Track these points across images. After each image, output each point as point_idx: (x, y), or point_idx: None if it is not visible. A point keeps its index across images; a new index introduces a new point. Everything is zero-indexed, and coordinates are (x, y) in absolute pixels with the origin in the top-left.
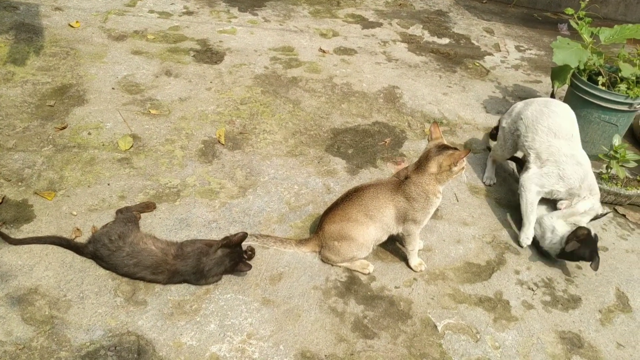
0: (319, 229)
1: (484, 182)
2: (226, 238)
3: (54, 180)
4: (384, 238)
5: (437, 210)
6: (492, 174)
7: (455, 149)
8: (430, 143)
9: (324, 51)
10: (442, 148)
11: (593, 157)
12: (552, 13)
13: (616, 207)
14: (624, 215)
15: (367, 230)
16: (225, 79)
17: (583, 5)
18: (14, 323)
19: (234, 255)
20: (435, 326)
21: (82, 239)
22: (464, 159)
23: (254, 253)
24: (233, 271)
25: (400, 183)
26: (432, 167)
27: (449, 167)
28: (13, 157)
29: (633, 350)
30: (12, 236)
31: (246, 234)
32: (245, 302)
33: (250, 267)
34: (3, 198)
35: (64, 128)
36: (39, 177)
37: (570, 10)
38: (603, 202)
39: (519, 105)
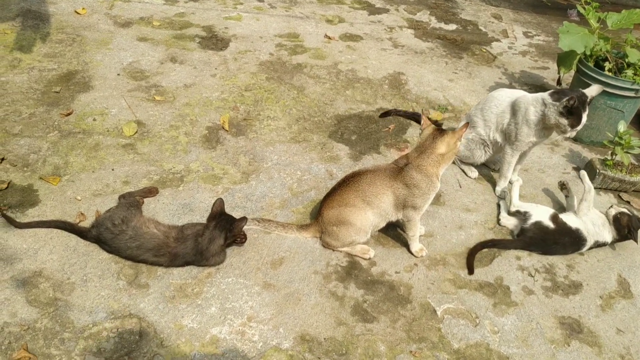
0: (319, 215)
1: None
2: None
3: (59, 166)
4: (382, 224)
5: (440, 196)
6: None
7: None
8: (426, 129)
9: (329, 37)
10: (441, 130)
11: (598, 144)
12: None
13: (620, 194)
14: (628, 202)
15: (365, 215)
16: (230, 66)
17: None
18: (18, 305)
19: (222, 224)
20: (435, 311)
21: (86, 223)
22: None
23: (245, 238)
24: (235, 237)
25: (399, 170)
26: (440, 147)
27: (455, 144)
28: (19, 142)
29: (633, 336)
30: (18, 220)
31: (222, 200)
32: (246, 286)
33: (245, 220)
34: (9, 183)
35: (69, 114)
36: (45, 163)
37: None
38: (607, 189)
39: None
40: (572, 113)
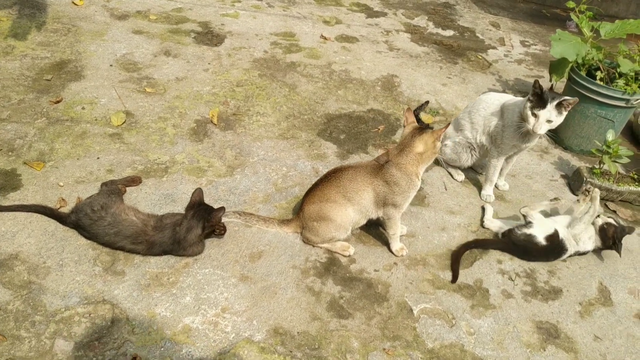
0: (300, 210)
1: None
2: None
3: (44, 152)
4: (363, 222)
5: (424, 197)
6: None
7: (432, 128)
8: (407, 128)
9: (325, 38)
10: (421, 129)
11: (588, 153)
12: (562, 10)
13: (607, 203)
14: (614, 212)
15: (345, 211)
16: (224, 61)
17: None
18: None
19: (200, 214)
20: (411, 310)
21: (67, 209)
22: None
23: (225, 230)
24: (212, 227)
25: (379, 167)
26: (419, 146)
27: (434, 143)
28: (5, 127)
29: (610, 343)
30: None
31: (201, 189)
32: (222, 278)
33: (223, 210)
34: None
35: (58, 102)
36: (30, 148)
37: (571, 4)
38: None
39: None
40: (538, 98)
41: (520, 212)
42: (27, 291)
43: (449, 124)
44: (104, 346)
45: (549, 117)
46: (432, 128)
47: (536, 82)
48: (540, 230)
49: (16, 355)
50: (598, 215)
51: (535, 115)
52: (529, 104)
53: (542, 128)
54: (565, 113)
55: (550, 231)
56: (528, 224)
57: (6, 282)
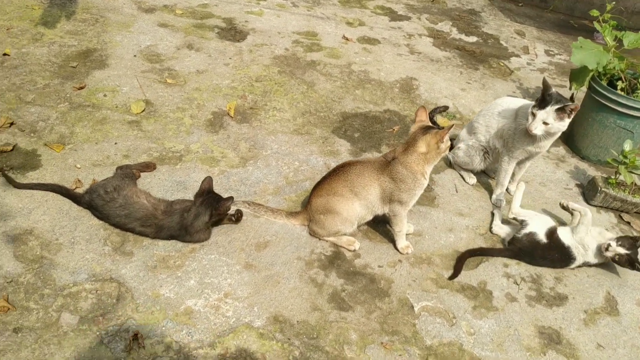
0: (308, 203)
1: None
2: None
3: (65, 135)
4: (369, 217)
5: (434, 198)
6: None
7: (440, 128)
8: (415, 125)
9: (347, 39)
10: (428, 128)
11: (606, 163)
12: (590, 21)
13: (622, 214)
14: (628, 223)
15: (352, 205)
16: (245, 57)
17: (609, 7)
18: (5, 259)
19: (208, 202)
20: (412, 307)
21: (82, 190)
22: (447, 135)
23: (241, 215)
24: (219, 216)
25: (387, 164)
26: (421, 146)
27: (437, 144)
28: (30, 110)
29: (613, 352)
30: (17, 180)
31: (211, 177)
32: (227, 264)
33: (231, 200)
34: (14, 146)
35: (81, 88)
36: (51, 131)
37: (595, 12)
38: (608, 208)
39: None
40: (542, 99)
41: (510, 219)
42: (38, 265)
43: (452, 125)
44: (107, 322)
45: (545, 119)
46: (442, 128)
47: (544, 80)
48: (537, 226)
49: (24, 325)
50: (607, 248)
51: (533, 115)
52: (534, 103)
53: (538, 128)
54: (568, 119)
55: (549, 225)
56: (523, 223)
57: (20, 255)
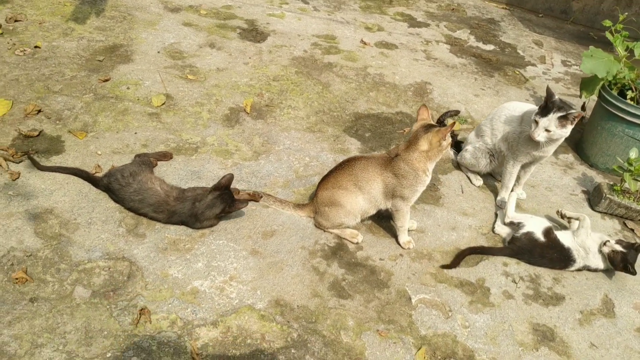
0: (315, 195)
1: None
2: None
3: (88, 123)
4: (372, 211)
5: (440, 197)
6: None
7: (443, 126)
8: (417, 123)
9: (365, 43)
10: (429, 126)
11: (612, 171)
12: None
13: (626, 221)
14: (632, 230)
15: (355, 199)
16: (264, 57)
17: (622, 18)
18: (26, 234)
19: (224, 198)
20: (410, 298)
21: (101, 176)
22: (449, 134)
23: (259, 196)
24: (229, 212)
25: (390, 160)
26: (423, 144)
27: (439, 142)
28: (57, 99)
29: (605, 352)
30: (41, 163)
31: (232, 175)
32: (234, 250)
33: (246, 203)
34: (40, 132)
35: (106, 80)
36: (76, 119)
37: (607, 22)
38: (613, 214)
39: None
40: (544, 107)
41: (506, 224)
42: (56, 242)
43: (453, 123)
44: (117, 297)
45: (547, 127)
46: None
47: (548, 88)
48: (534, 226)
49: (39, 296)
50: (604, 243)
51: (536, 122)
52: (537, 110)
53: (540, 135)
54: (570, 127)
55: (544, 225)
56: (519, 225)
57: (40, 232)
